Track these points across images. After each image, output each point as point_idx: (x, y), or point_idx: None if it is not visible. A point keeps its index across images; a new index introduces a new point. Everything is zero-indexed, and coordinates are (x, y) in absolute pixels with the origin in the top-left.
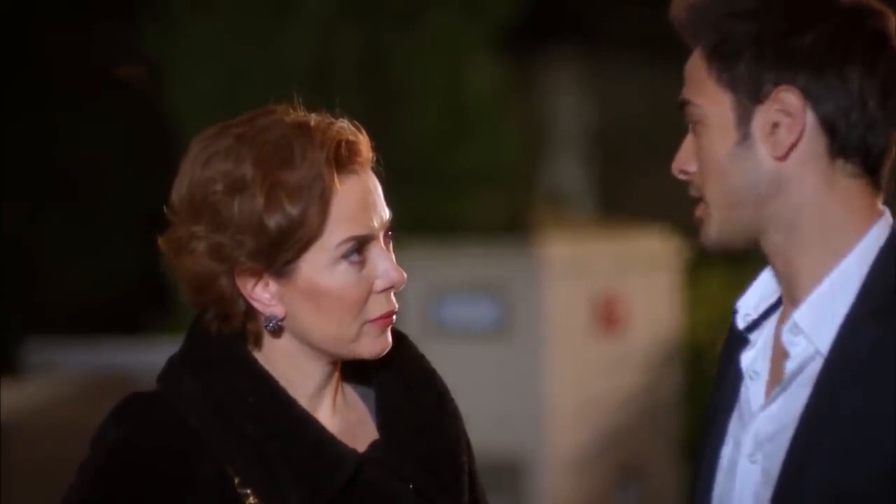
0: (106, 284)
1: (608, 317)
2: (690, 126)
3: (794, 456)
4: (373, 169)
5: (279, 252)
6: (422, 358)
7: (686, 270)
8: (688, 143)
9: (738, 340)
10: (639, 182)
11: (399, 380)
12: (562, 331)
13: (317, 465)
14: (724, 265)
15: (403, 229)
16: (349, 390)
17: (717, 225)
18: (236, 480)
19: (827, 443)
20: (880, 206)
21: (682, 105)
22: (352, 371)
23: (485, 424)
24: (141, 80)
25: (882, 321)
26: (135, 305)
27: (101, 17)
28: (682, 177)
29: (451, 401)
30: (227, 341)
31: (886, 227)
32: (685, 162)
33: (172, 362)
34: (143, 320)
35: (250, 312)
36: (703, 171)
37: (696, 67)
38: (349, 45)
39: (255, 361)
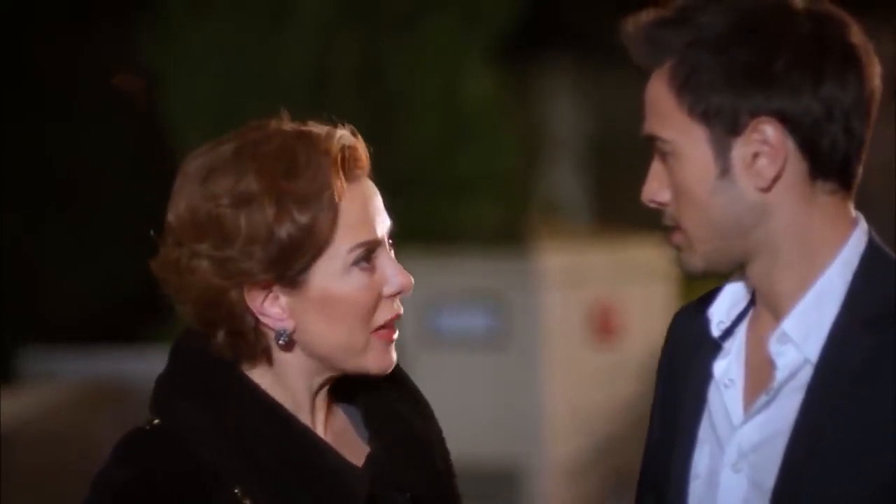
0: (104, 293)
1: (604, 326)
2: (658, 155)
3: (791, 466)
4: (368, 176)
5: (291, 262)
6: (396, 365)
7: (682, 280)
8: (657, 171)
9: (710, 347)
10: (635, 191)
11: (381, 391)
12: (558, 340)
13: (336, 492)
14: (719, 275)
15: (399, 238)
16: (333, 403)
17: (702, 256)
18: None
19: (825, 452)
20: (853, 212)
21: (650, 139)
22: (333, 385)
23: (481, 432)
24: (138, 88)
25: (876, 331)
26: (133, 314)
27: (98, 25)
28: (653, 205)
29: (427, 405)
30: (222, 366)
31: (863, 233)
32: (656, 192)
33: (165, 389)
34: (142, 329)
35: (259, 329)
36: (680, 204)
37: (662, 100)
38: (346, 53)
39: (258, 388)
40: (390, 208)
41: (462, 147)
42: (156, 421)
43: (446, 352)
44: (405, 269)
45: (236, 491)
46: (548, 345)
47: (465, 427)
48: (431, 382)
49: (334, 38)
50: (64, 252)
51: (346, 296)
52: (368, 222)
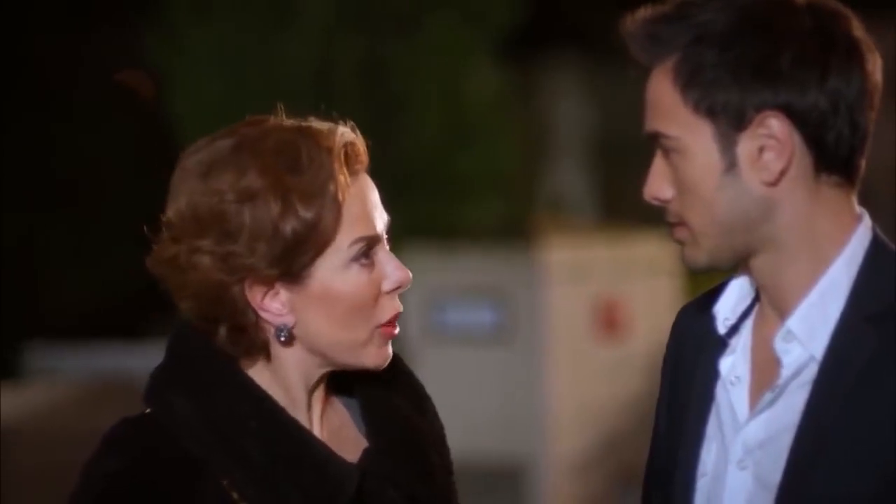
0: (106, 290)
1: (609, 322)
2: (661, 151)
3: (796, 463)
4: (367, 172)
5: (295, 257)
6: (399, 359)
7: (686, 275)
8: (659, 168)
9: (716, 344)
10: (639, 187)
11: (381, 385)
12: (563, 336)
13: (323, 486)
14: (724, 270)
15: (405, 235)
16: (332, 397)
17: (707, 252)
18: None
19: (831, 448)
20: (857, 208)
21: (652, 137)
22: (332, 378)
23: (486, 429)
24: (142, 88)
25: (880, 327)
26: (135, 310)
27: (101, 25)
28: (655, 203)
29: (430, 400)
30: (218, 360)
31: (867, 229)
32: (659, 189)
33: (158, 381)
34: (143, 325)
35: (259, 324)
36: (684, 200)
37: (666, 97)
38: (350, 52)
39: (251, 381)
40: (396, 206)
41: (466, 145)
42: (147, 411)
43: (451, 347)
44: (410, 265)
45: (224, 483)
46: (552, 340)
47: (470, 423)
48: (436, 378)
49: (338, 37)
50: (67, 249)
51: (345, 292)
52: (368, 217)
